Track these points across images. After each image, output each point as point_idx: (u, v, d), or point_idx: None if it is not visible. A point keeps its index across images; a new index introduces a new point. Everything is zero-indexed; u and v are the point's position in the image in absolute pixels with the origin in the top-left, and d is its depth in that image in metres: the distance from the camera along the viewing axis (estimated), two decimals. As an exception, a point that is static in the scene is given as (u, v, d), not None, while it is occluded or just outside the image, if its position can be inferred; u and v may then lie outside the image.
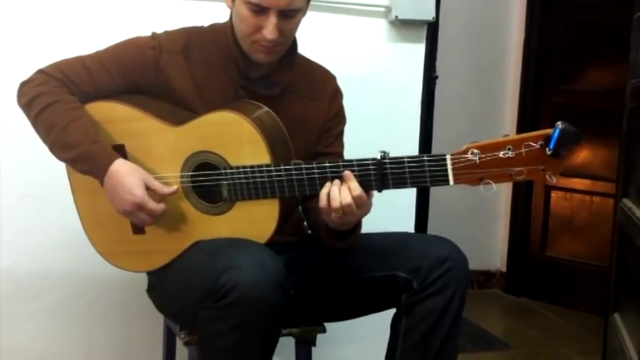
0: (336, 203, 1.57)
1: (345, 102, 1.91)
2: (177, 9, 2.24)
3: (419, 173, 1.54)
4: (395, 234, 1.87)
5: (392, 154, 1.57)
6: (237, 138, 1.64)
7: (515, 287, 4.15)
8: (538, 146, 1.47)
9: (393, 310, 1.77)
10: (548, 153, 1.46)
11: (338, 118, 1.89)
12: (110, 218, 1.75)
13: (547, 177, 1.49)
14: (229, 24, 1.78)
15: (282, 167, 1.61)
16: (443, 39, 2.76)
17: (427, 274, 1.67)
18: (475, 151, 1.49)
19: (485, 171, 1.50)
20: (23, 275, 2.23)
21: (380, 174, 1.56)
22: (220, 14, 1.83)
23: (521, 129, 4.01)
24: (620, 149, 2.67)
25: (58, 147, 1.68)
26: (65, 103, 1.68)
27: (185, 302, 1.64)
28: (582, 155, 3.85)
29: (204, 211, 1.70)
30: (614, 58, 3.60)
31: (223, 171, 1.66)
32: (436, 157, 1.53)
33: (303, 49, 1.86)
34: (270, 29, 1.65)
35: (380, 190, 1.58)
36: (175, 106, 1.76)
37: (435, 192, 3.00)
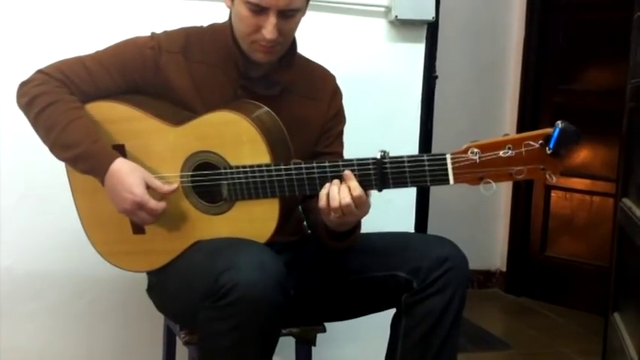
0: (335, 203, 1.57)
1: (345, 102, 1.91)
2: (177, 9, 2.24)
3: (419, 173, 1.54)
4: (395, 234, 1.87)
5: (392, 154, 1.57)
6: (236, 138, 1.64)
7: (515, 287, 4.15)
8: (538, 145, 1.47)
9: (393, 310, 1.77)
10: (548, 152, 1.46)
11: (338, 117, 1.89)
12: (110, 218, 1.75)
13: (547, 176, 1.49)
14: (228, 24, 1.78)
15: (282, 167, 1.61)
16: (443, 39, 2.76)
17: (427, 274, 1.67)
18: (475, 150, 1.49)
19: (485, 170, 1.50)
20: (23, 275, 2.23)
21: (380, 173, 1.56)
22: (220, 14, 1.83)
23: (521, 129, 4.01)
24: (620, 149, 2.67)
25: (58, 147, 1.68)
26: (65, 103, 1.68)
27: (185, 302, 1.64)
28: (582, 155, 3.85)
29: (204, 211, 1.70)
30: (614, 58, 3.60)
31: (223, 171, 1.66)
32: (436, 157, 1.53)
33: (303, 48, 1.86)
34: (269, 29, 1.65)
35: (380, 190, 1.58)
36: (175, 106, 1.76)
37: (435, 192, 3.00)
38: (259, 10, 1.65)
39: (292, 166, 1.61)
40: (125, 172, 1.64)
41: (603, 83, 3.80)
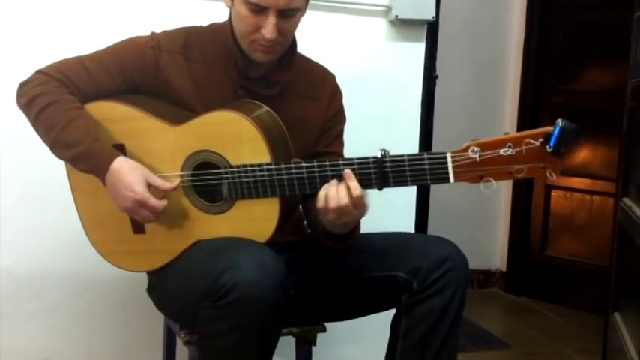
0: (333, 204, 1.57)
1: (345, 101, 1.91)
2: (177, 9, 2.24)
3: (419, 171, 1.54)
4: (395, 234, 1.87)
5: (392, 154, 1.57)
6: (237, 137, 1.64)
7: (515, 286, 4.15)
8: (538, 144, 1.47)
9: (393, 310, 1.77)
10: (549, 151, 1.46)
11: (337, 117, 1.89)
12: (110, 218, 1.75)
13: (547, 175, 1.49)
14: (228, 23, 1.78)
15: (283, 166, 1.61)
16: (443, 38, 2.76)
17: (427, 274, 1.67)
18: (475, 149, 1.49)
19: (485, 169, 1.50)
20: (23, 275, 2.23)
21: (380, 172, 1.56)
22: (219, 14, 1.83)
23: (521, 128, 4.01)
24: (620, 148, 2.67)
25: (59, 146, 1.68)
26: (65, 103, 1.68)
27: (185, 302, 1.64)
28: (582, 155, 3.85)
29: (204, 211, 1.70)
30: (614, 58, 3.60)
31: (223, 170, 1.66)
32: (436, 155, 1.53)
33: (303, 48, 1.86)
34: (269, 29, 1.65)
35: (380, 189, 1.58)
36: (175, 105, 1.76)
37: (435, 192, 3.00)
38: (259, 10, 1.65)
39: (292, 166, 1.61)
40: (126, 171, 1.64)
41: (603, 83, 3.80)
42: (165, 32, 1.81)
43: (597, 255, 3.73)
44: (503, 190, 4.17)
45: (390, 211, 2.38)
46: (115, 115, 1.73)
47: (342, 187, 1.57)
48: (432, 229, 2.86)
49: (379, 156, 1.56)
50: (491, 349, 3.28)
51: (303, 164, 1.61)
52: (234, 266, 1.49)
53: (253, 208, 1.66)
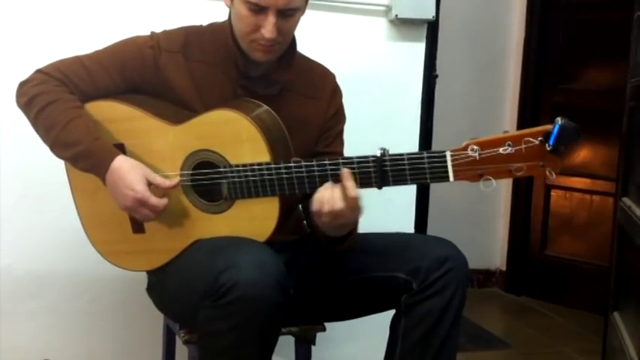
0: (327, 207, 1.57)
1: (345, 101, 1.91)
2: (176, 8, 2.24)
3: (419, 170, 1.54)
4: (394, 234, 1.86)
5: (392, 153, 1.56)
6: (236, 136, 1.64)
7: (515, 286, 4.15)
8: (538, 142, 1.47)
9: (392, 310, 1.77)
10: (548, 149, 1.46)
11: (337, 117, 1.89)
12: (110, 217, 1.75)
13: (547, 173, 1.49)
14: (228, 23, 1.78)
15: (282, 165, 1.61)
16: (443, 38, 2.76)
17: (427, 274, 1.67)
18: (475, 147, 1.49)
19: (484, 167, 1.50)
20: (23, 274, 2.23)
21: (380, 171, 1.56)
22: (219, 13, 1.83)
23: (520, 128, 3.97)
24: (620, 148, 2.67)
25: (58, 145, 1.68)
26: (65, 102, 1.68)
27: (185, 301, 1.64)
28: (582, 154, 3.85)
29: (203, 210, 1.70)
30: (614, 57, 3.60)
31: (223, 169, 1.66)
32: (436, 154, 1.53)
33: (303, 48, 1.85)
34: (268, 28, 1.65)
35: (380, 187, 1.58)
36: (175, 105, 1.76)
37: (435, 191, 3.00)
38: (258, 10, 1.64)
39: (292, 165, 1.61)
40: (126, 170, 1.64)
41: (603, 83, 3.80)
42: (164, 32, 1.81)
43: (597, 255, 3.74)
44: (502, 190, 4.18)
45: (390, 210, 2.38)
46: (114, 114, 1.73)
47: (337, 190, 1.57)
48: (432, 229, 2.86)
49: (379, 155, 1.56)
50: (491, 349, 3.28)
51: (303, 163, 1.60)
52: (234, 266, 1.49)
53: (253, 207, 1.66)
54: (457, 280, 1.67)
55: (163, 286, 1.78)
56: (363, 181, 1.57)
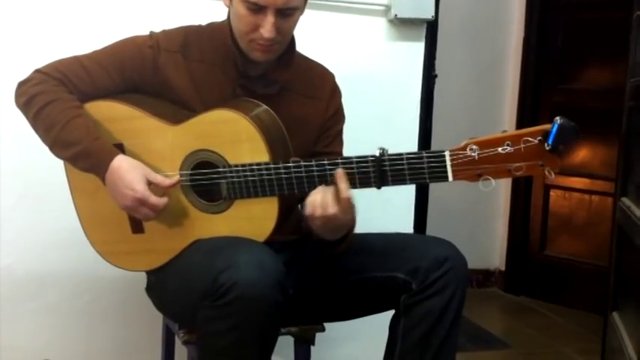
0: (319, 212, 1.57)
1: (344, 101, 1.91)
2: (175, 8, 2.24)
3: (418, 170, 1.54)
4: (394, 234, 1.86)
5: (391, 153, 1.56)
6: (235, 136, 1.64)
7: (514, 286, 4.15)
8: (537, 142, 1.47)
9: (392, 310, 1.77)
10: (547, 148, 1.46)
11: (337, 116, 1.89)
12: (109, 217, 1.75)
13: (546, 172, 1.49)
14: (227, 23, 1.78)
15: (281, 165, 1.61)
16: (442, 38, 2.76)
17: (426, 274, 1.67)
18: (474, 147, 1.49)
19: (484, 167, 1.50)
20: (23, 275, 2.23)
21: (379, 171, 1.56)
22: (218, 13, 1.83)
23: (520, 128, 3.99)
24: (620, 148, 2.67)
25: (58, 145, 1.67)
26: (64, 102, 1.68)
27: (184, 301, 1.64)
28: (581, 154, 3.85)
29: (203, 210, 1.70)
30: (613, 57, 3.60)
31: (222, 169, 1.66)
32: (435, 154, 1.53)
33: (302, 47, 1.85)
34: (267, 28, 1.65)
35: (379, 187, 1.58)
36: (174, 105, 1.76)
37: (434, 191, 3.00)
38: (257, 9, 1.64)
39: (291, 165, 1.61)
40: (126, 169, 1.63)
41: (602, 82, 3.80)
42: (163, 31, 1.81)
43: (596, 254, 3.73)
44: (502, 190, 4.17)
45: (389, 210, 2.38)
46: (113, 114, 1.73)
47: (329, 194, 1.56)
48: (431, 228, 2.86)
49: (378, 154, 1.56)
50: (490, 349, 3.28)
51: (302, 163, 1.60)
52: (233, 266, 1.49)
53: (252, 207, 1.66)
54: (456, 280, 1.67)
55: (163, 286, 1.78)
56: (362, 181, 1.57)
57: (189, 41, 1.79)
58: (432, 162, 1.53)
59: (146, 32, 1.80)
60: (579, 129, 1.45)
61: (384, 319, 1.79)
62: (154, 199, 1.63)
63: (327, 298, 1.82)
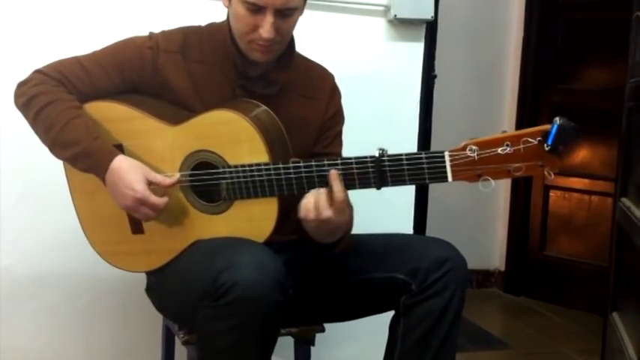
0: (312, 215, 1.57)
1: (344, 101, 1.91)
2: (175, 8, 2.24)
3: (417, 170, 1.54)
4: (394, 235, 1.86)
5: (390, 153, 1.56)
6: (235, 137, 1.64)
7: (514, 286, 4.15)
8: (536, 142, 1.47)
9: (392, 311, 1.77)
10: (547, 149, 1.46)
11: (336, 117, 1.89)
12: (109, 218, 1.75)
13: (545, 173, 1.49)
14: (226, 23, 1.78)
15: (281, 166, 1.61)
16: (442, 38, 2.76)
17: (426, 275, 1.67)
18: (473, 147, 1.49)
19: (483, 167, 1.50)
20: (22, 275, 2.23)
21: (379, 171, 1.56)
22: (218, 13, 1.83)
23: (519, 128, 3.98)
24: (619, 148, 2.67)
25: (58, 146, 1.67)
26: (64, 102, 1.68)
27: (184, 302, 1.64)
28: (581, 154, 3.85)
29: (202, 211, 1.70)
30: (612, 57, 3.61)
31: (222, 170, 1.66)
32: (434, 154, 1.53)
33: (302, 48, 1.86)
34: (266, 28, 1.65)
35: (379, 188, 1.58)
36: (173, 105, 1.76)
37: (434, 191, 3.00)
38: (256, 10, 1.64)
39: (291, 165, 1.61)
40: (126, 169, 1.63)
41: (602, 83, 3.80)
42: (163, 32, 1.81)
43: (596, 255, 3.73)
44: (501, 190, 4.18)
45: (389, 211, 2.38)
46: (113, 115, 1.73)
47: (323, 197, 1.57)
48: (431, 229, 2.86)
49: (377, 155, 1.56)
50: (490, 349, 3.28)
51: (302, 164, 1.60)
52: (233, 266, 1.49)
53: (252, 207, 1.66)
54: (456, 280, 1.67)
55: (163, 286, 1.78)
56: (362, 182, 1.57)
57: (188, 42, 1.79)
58: (432, 162, 1.53)
59: (146, 33, 1.80)
60: (579, 129, 1.45)
61: (383, 319, 1.79)
62: (154, 199, 1.63)
63: (327, 299, 1.82)
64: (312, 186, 1.60)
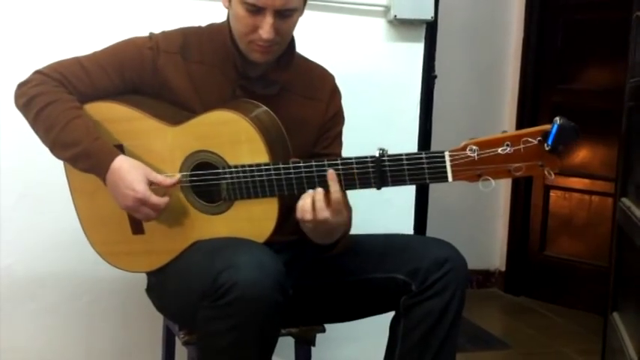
0: (308, 216, 1.57)
1: (344, 101, 1.91)
2: (175, 9, 2.24)
3: (417, 170, 1.54)
4: (394, 235, 1.86)
5: (390, 153, 1.56)
6: (235, 137, 1.64)
7: (514, 286, 4.15)
8: (536, 142, 1.47)
9: (392, 311, 1.77)
10: (547, 149, 1.46)
11: (336, 118, 1.89)
12: (109, 218, 1.75)
13: (546, 173, 1.49)
14: (227, 24, 1.78)
15: (281, 166, 1.61)
16: (442, 38, 2.76)
17: (426, 275, 1.67)
18: (474, 147, 1.49)
19: (483, 167, 1.50)
20: (23, 275, 2.23)
21: (379, 171, 1.56)
22: (218, 14, 1.83)
23: (519, 128, 3.99)
24: (619, 148, 2.67)
25: (58, 146, 1.67)
26: (64, 102, 1.68)
27: (184, 302, 1.64)
28: (581, 154, 3.86)
29: (203, 211, 1.70)
30: (612, 58, 3.61)
31: (222, 170, 1.66)
32: (435, 154, 1.53)
33: (302, 48, 1.85)
34: (266, 29, 1.65)
35: (379, 188, 1.58)
36: (173, 106, 1.76)
37: (435, 191, 3.00)
38: (256, 10, 1.64)
39: (291, 165, 1.61)
40: (126, 170, 1.63)
41: (602, 83, 3.80)
42: (163, 33, 1.81)
43: (596, 255, 3.73)
44: (501, 190, 4.18)
45: (389, 211, 2.38)
46: (113, 115, 1.73)
47: (320, 198, 1.57)
48: (431, 229, 2.86)
49: (377, 155, 1.56)
50: (490, 350, 3.28)
51: (302, 164, 1.60)
52: (232, 266, 1.49)
53: (252, 208, 1.66)
54: (456, 281, 1.67)
55: (163, 287, 1.78)
56: (362, 182, 1.57)
57: (188, 42, 1.79)
58: (432, 162, 1.53)
59: (146, 33, 1.80)
60: (579, 129, 1.45)
61: (384, 320, 1.79)
62: (155, 199, 1.63)
63: (327, 299, 1.82)
64: (312, 186, 1.60)
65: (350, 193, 1.65)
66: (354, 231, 1.76)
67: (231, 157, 1.65)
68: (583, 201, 3.91)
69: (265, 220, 1.65)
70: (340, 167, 1.58)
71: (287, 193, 1.63)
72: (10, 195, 2.19)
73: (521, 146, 1.47)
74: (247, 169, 1.63)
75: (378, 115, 2.44)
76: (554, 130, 1.44)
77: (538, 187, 4.04)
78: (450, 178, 1.52)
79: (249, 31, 1.68)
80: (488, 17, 4.13)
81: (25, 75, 1.74)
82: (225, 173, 1.65)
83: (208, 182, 1.67)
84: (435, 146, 2.53)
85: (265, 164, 1.62)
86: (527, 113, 4.07)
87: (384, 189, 1.58)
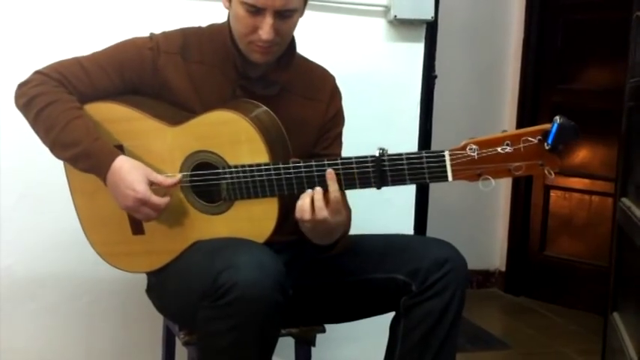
0: (307, 216, 1.57)
1: (344, 101, 1.91)
2: (175, 9, 2.24)
3: (417, 170, 1.54)
4: (394, 236, 1.86)
5: (390, 153, 1.56)
6: (235, 137, 1.64)
7: (514, 287, 4.15)
8: (536, 141, 1.47)
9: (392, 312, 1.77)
10: (547, 148, 1.46)
11: (337, 119, 1.89)
12: (109, 219, 1.75)
13: (546, 172, 1.49)
14: (227, 24, 1.78)
15: (281, 166, 1.61)
16: (442, 38, 2.76)
17: (426, 276, 1.67)
18: (473, 146, 1.49)
19: (483, 167, 1.50)
20: (23, 275, 2.23)
21: (379, 171, 1.56)
22: (218, 14, 1.83)
23: (519, 127, 3.98)
24: (619, 148, 2.67)
25: (58, 146, 1.67)
26: (64, 103, 1.68)
27: (184, 302, 1.64)
28: (581, 154, 3.86)
29: (203, 211, 1.70)
30: (612, 58, 3.61)
31: (222, 170, 1.66)
32: (435, 154, 1.53)
33: (302, 48, 1.86)
34: (266, 30, 1.65)
35: (379, 188, 1.58)
36: (173, 106, 1.76)
37: (435, 191, 3.00)
38: (256, 11, 1.64)
39: (291, 165, 1.61)
40: (127, 170, 1.63)
41: (602, 83, 3.80)
42: (163, 33, 1.81)
43: (596, 255, 3.73)
44: (501, 190, 4.18)
45: (389, 211, 2.38)
46: (113, 115, 1.73)
47: (319, 198, 1.57)
48: (432, 229, 2.86)
49: (377, 155, 1.56)
50: (490, 350, 3.28)
51: (302, 164, 1.60)
52: (232, 266, 1.49)
53: (252, 208, 1.66)
54: (456, 281, 1.67)
55: (163, 287, 1.78)
56: (362, 182, 1.57)
57: (188, 43, 1.79)
58: (432, 162, 1.53)
59: (146, 34, 1.80)
60: (579, 128, 1.45)
61: (384, 320, 1.79)
62: (156, 199, 1.63)
63: (327, 299, 1.82)
64: (312, 186, 1.60)
65: (350, 193, 1.65)
66: (354, 231, 1.76)
67: (231, 157, 1.65)
68: (583, 201, 3.91)
69: (265, 220, 1.65)
70: (340, 167, 1.58)
71: (287, 193, 1.63)
72: (10, 195, 2.19)
73: (521, 145, 1.47)
74: (247, 169, 1.63)
75: (378, 115, 2.44)
76: (554, 129, 1.44)
77: (538, 187, 4.04)
78: (450, 178, 1.52)
79: (249, 31, 1.68)
80: (489, 17, 4.13)
81: (25, 75, 1.74)
82: (225, 173, 1.65)
83: (208, 182, 1.67)
84: (435, 146, 2.53)
85: (265, 164, 1.62)
86: (527, 113, 4.07)
87: (384, 189, 1.58)
